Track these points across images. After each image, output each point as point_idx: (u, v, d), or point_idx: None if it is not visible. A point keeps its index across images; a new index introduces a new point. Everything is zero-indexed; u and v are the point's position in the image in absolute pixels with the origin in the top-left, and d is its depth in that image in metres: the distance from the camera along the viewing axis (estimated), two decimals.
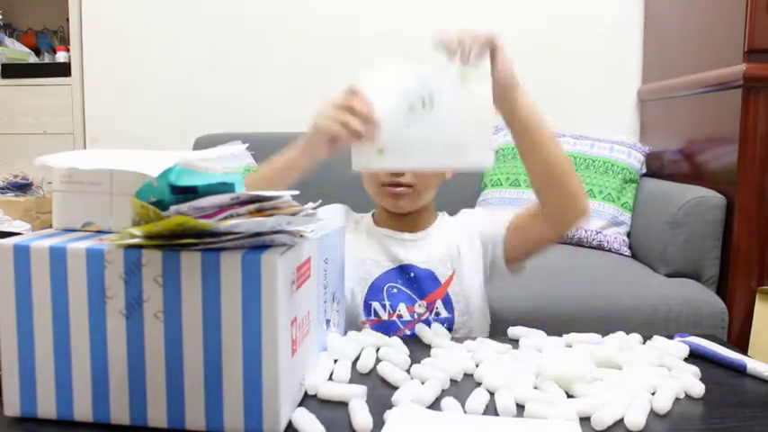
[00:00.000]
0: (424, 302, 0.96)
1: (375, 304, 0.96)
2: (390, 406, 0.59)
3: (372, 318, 0.96)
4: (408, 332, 0.93)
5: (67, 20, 2.31)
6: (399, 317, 0.95)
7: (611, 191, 1.78)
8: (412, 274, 0.98)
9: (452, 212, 1.08)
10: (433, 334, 0.80)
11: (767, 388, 0.67)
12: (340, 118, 0.78)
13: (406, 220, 1.01)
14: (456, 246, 1.00)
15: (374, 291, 0.97)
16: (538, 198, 0.91)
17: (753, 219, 1.48)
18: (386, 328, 0.93)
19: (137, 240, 0.53)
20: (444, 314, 0.96)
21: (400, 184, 0.95)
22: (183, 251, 0.53)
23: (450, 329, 0.94)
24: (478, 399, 0.60)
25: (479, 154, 0.77)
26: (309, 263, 0.63)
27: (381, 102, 0.78)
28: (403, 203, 0.97)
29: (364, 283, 0.97)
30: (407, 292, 0.97)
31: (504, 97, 0.82)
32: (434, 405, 0.60)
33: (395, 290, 0.97)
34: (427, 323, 0.85)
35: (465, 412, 0.58)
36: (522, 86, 0.83)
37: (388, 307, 0.96)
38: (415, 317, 0.95)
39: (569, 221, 0.92)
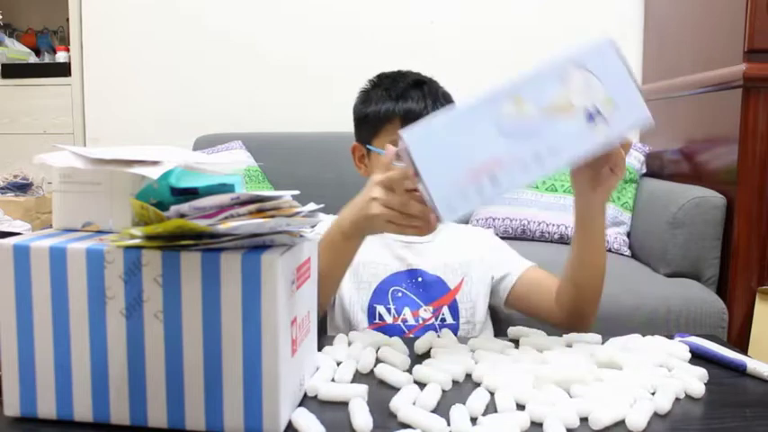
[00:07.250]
0: (430, 308, 0.96)
1: (380, 308, 0.96)
2: (390, 407, 0.59)
3: (377, 321, 0.96)
4: (412, 336, 0.93)
5: (67, 20, 2.31)
6: (404, 321, 0.95)
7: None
8: (420, 279, 0.98)
9: None
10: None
11: (767, 388, 0.67)
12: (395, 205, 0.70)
13: None
14: (468, 254, 1.01)
15: (379, 294, 0.97)
16: (566, 286, 0.90)
17: (753, 219, 1.48)
18: (390, 331, 0.93)
19: (137, 241, 0.53)
20: (450, 320, 0.96)
21: None
22: (183, 251, 0.53)
23: None
24: (478, 399, 0.60)
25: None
26: (309, 263, 0.63)
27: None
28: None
29: (368, 287, 0.97)
30: (412, 296, 0.97)
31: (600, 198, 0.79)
32: (435, 406, 0.60)
33: (399, 293, 0.97)
34: (432, 328, 0.84)
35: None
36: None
37: (393, 311, 0.96)
38: (420, 321, 0.95)
39: (577, 325, 0.89)
